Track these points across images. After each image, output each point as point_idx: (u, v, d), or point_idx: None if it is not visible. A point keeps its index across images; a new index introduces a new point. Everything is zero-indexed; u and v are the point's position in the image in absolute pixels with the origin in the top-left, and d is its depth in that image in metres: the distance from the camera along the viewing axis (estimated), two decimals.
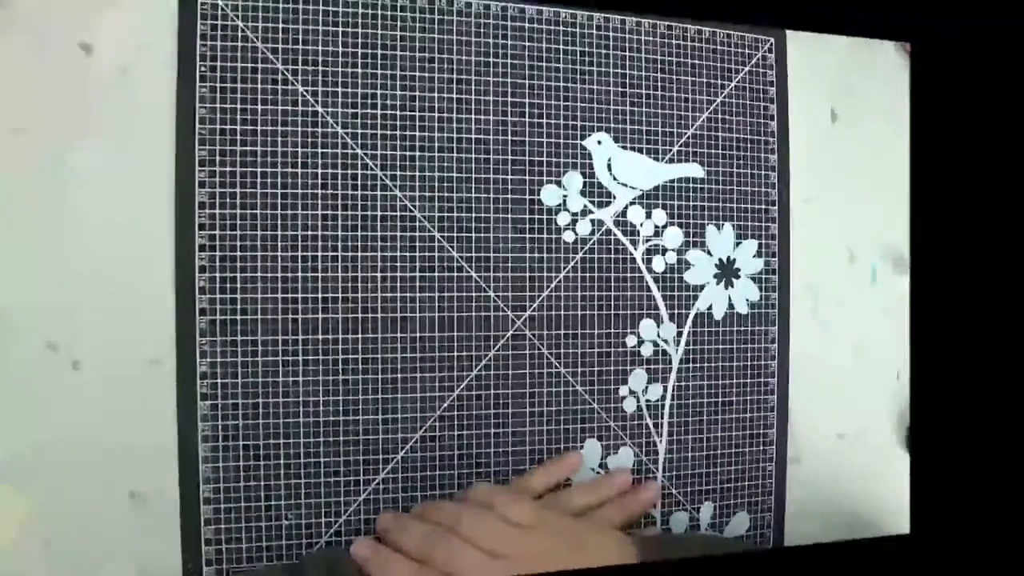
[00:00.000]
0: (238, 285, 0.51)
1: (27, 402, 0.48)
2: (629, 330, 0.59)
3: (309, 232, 0.52)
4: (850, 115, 0.66)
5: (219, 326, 0.51)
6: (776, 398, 0.63)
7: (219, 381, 0.51)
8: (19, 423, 0.48)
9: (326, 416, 0.53)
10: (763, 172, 0.63)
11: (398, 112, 0.54)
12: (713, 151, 0.61)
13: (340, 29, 0.53)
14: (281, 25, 0.52)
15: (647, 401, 0.60)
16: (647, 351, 0.60)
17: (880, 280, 0.67)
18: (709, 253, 0.61)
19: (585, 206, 0.58)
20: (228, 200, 0.51)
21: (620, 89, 0.59)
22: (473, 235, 0.56)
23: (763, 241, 0.63)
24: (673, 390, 0.60)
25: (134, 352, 0.49)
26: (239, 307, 0.51)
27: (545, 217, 0.57)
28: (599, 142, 0.58)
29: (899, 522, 0.67)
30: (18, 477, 0.48)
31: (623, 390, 0.59)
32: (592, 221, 0.58)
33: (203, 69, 0.50)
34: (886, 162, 0.67)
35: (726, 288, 0.62)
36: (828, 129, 0.66)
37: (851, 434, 0.66)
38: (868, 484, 0.66)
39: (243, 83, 0.51)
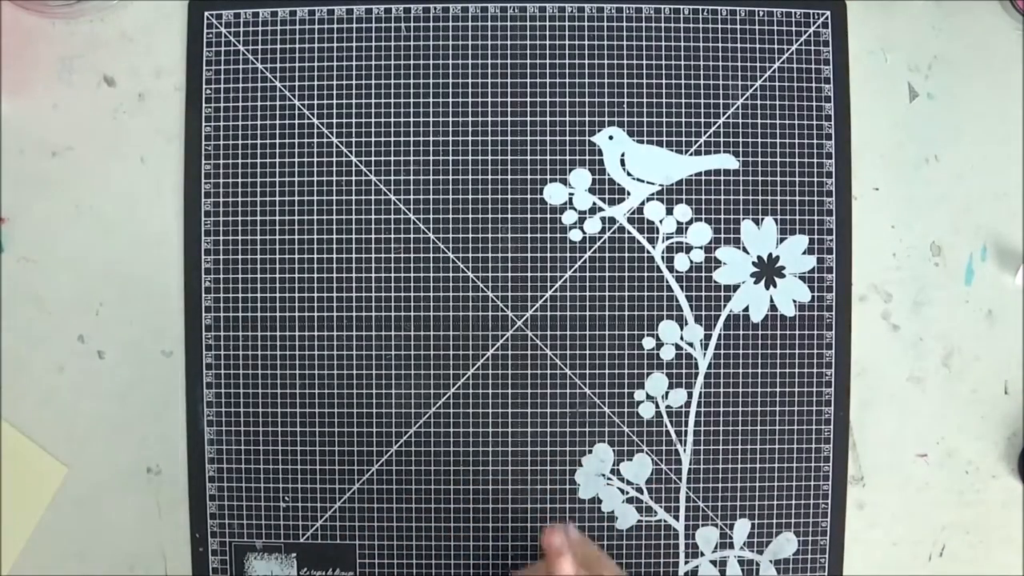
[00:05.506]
0: (240, 285, 0.56)
1: (62, 385, 0.57)
2: (646, 332, 0.56)
3: (307, 236, 0.56)
4: (936, 90, 0.58)
5: (223, 322, 0.56)
6: (833, 410, 0.57)
7: (223, 372, 0.56)
8: (56, 403, 0.57)
9: (322, 408, 0.56)
10: (816, 160, 0.57)
11: (393, 118, 0.56)
12: (750, 140, 0.57)
13: (335, 44, 0.57)
14: (279, 46, 0.56)
15: (668, 407, 0.57)
16: (668, 354, 0.57)
17: (980, 278, 0.58)
18: (745, 250, 0.57)
19: (595, 204, 0.57)
20: (231, 208, 0.56)
21: (636, 81, 0.57)
22: (471, 235, 0.56)
23: (816, 236, 0.57)
24: (700, 396, 0.57)
25: (149, 344, 0.57)
26: (241, 305, 0.56)
27: (549, 216, 0.56)
28: (611, 137, 0.57)
29: (998, 559, 0.58)
30: (54, 450, 0.57)
31: (639, 394, 0.57)
32: (603, 219, 0.57)
33: (208, 92, 0.56)
34: (989, 142, 0.58)
35: (767, 288, 0.57)
36: (904, 108, 0.58)
37: (936, 454, 0.58)
38: (958, 512, 0.57)
39: (244, 102, 0.57)
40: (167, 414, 0.56)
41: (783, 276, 0.57)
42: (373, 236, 0.56)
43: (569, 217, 0.57)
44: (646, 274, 0.57)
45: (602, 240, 0.57)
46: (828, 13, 0.57)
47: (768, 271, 0.57)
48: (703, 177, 0.57)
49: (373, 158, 0.56)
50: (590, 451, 0.57)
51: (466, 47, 0.57)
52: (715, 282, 0.57)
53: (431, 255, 0.56)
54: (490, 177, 0.56)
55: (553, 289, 0.56)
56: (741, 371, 0.57)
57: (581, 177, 0.57)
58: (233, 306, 0.56)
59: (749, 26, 0.57)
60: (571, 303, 0.56)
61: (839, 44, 0.57)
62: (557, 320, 0.56)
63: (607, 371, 0.56)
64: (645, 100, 0.57)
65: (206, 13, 0.56)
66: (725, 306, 0.57)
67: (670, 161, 0.57)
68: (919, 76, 0.58)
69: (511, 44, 0.57)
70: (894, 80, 0.58)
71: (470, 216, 0.56)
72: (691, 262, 0.57)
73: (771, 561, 0.57)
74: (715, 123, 0.57)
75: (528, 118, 0.57)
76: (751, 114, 0.57)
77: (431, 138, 0.56)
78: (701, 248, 0.57)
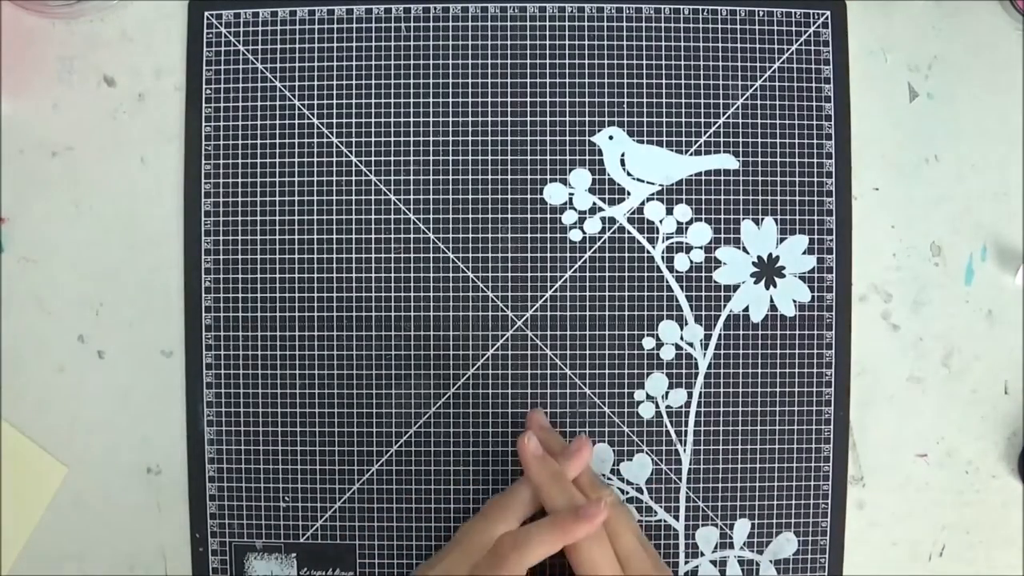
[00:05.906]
0: (240, 285, 0.56)
1: (62, 385, 0.57)
2: (646, 332, 0.56)
3: (307, 236, 0.56)
4: (936, 90, 0.58)
5: (223, 322, 0.56)
6: (833, 410, 0.57)
7: (223, 372, 0.56)
8: (56, 403, 0.57)
9: (322, 408, 0.56)
10: (816, 160, 0.57)
11: (393, 118, 0.57)
12: (750, 140, 0.57)
13: (335, 44, 0.57)
14: (279, 46, 0.57)
15: (668, 407, 0.57)
16: (668, 354, 0.57)
17: (980, 278, 0.58)
18: (745, 250, 0.57)
19: (595, 203, 0.57)
20: (231, 208, 0.56)
21: (636, 81, 0.57)
22: (471, 235, 0.56)
23: (816, 236, 0.57)
24: (700, 396, 0.57)
25: (149, 344, 0.57)
26: (241, 305, 0.56)
27: (549, 216, 0.56)
28: (611, 137, 0.57)
29: (998, 559, 0.58)
30: (54, 450, 0.57)
31: (639, 394, 0.57)
32: (603, 219, 0.57)
33: (208, 92, 0.56)
34: (989, 142, 0.58)
35: (767, 288, 0.57)
36: (904, 108, 0.58)
37: (936, 454, 0.58)
38: (958, 512, 0.57)
39: (244, 102, 0.57)
40: (167, 414, 0.56)
41: (783, 276, 0.57)
42: (373, 236, 0.56)
43: (569, 217, 0.57)
44: (646, 274, 0.57)
45: (602, 240, 0.57)
46: (828, 13, 0.57)
47: (768, 271, 0.57)
48: (703, 177, 0.57)
49: (373, 158, 0.56)
50: None
51: (466, 47, 0.57)
52: (715, 282, 0.57)
53: (431, 255, 0.56)
54: (490, 177, 0.57)
55: (553, 289, 0.56)
56: (741, 371, 0.57)
57: (581, 177, 0.57)
58: (233, 306, 0.56)
59: (749, 26, 0.57)
60: (571, 303, 0.56)
61: (839, 44, 0.57)
62: (557, 320, 0.56)
63: (607, 371, 0.56)
64: (645, 100, 0.57)
65: (206, 13, 0.56)
66: (725, 306, 0.57)
67: (670, 161, 0.57)
68: (919, 76, 0.58)
69: (511, 44, 0.57)
70: (894, 80, 0.58)
71: (470, 216, 0.56)
72: (691, 262, 0.57)
73: (771, 561, 0.57)
74: (715, 123, 0.57)
75: (528, 118, 0.57)
76: (751, 114, 0.57)
77: (431, 138, 0.56)
78: (701, 248, 0.57)
